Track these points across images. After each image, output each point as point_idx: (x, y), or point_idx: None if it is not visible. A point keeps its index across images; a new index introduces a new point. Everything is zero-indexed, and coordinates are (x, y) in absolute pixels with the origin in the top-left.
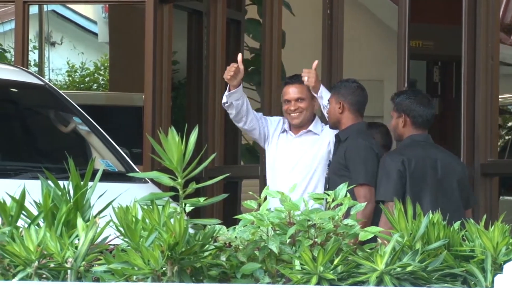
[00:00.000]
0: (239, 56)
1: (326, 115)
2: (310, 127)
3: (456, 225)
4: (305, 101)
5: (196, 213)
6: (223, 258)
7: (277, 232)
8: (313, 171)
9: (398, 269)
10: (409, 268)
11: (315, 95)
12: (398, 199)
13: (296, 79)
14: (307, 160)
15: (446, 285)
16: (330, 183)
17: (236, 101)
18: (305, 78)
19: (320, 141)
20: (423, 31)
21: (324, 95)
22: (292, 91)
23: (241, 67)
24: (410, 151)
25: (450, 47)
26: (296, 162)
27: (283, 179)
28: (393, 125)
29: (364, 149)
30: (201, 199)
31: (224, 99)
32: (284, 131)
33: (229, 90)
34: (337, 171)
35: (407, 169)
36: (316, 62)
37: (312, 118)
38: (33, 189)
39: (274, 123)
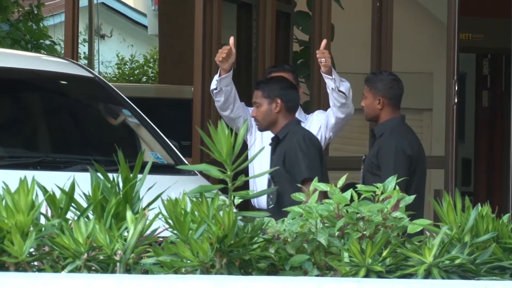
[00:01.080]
0: (231, 39)
1: (333, 99)
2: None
3: (506, 217)
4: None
5: (245, 206)
6: (271, 250)
7: (326, 224)
8: None
9: (447, 262)
10: (457, 261)
11: (329, 77)
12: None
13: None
14: None
15: (494, 278)
16: (365, 180)
17: (225, 87)
18: (322, 60)
19: (308, 127)
20: (473, 24)
21: (336, 77)
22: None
23: (233, 49)
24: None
25: (500, 40)
26: None
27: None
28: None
29: (394, 153)
30: (250, 192)
31: (213, 85)
32: None
33: (220, 75)
34: (370, 169)
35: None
36: (324, 41)
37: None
38: (82, 181)
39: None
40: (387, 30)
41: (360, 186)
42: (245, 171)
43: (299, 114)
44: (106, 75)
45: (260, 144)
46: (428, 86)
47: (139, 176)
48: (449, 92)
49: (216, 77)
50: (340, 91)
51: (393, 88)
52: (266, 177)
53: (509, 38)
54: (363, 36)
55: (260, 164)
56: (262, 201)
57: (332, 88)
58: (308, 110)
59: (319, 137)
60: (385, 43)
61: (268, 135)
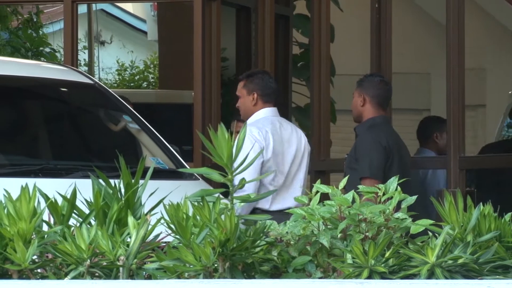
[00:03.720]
0: None
1: None
2: None
3: (507, 216)
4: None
5: None
6: (274, 253)
7: (328, 226)
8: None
9: (450, 262)
10: (460, 261)
11: None
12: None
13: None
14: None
15: (498, 277)
16: (349, 178)
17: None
18: None
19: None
20: None
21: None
22: None
23: None
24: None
25: None
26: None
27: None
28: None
29: (370, 143)
30: (252, 195)
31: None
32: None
33: None
34: (349, 164)
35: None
36: None
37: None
38: (84, 188)
39: (262, 141)
40: (386, 31)
41: (361, 187)
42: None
43: (273, 115)
44: (106, 82)
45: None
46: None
47: (141, 181)
48: (449, 90)
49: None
50: None
51: (377, 88)
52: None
53: None
54: (363, 37)
55: (283, 160)
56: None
57: None
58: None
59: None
60: (384, 44)
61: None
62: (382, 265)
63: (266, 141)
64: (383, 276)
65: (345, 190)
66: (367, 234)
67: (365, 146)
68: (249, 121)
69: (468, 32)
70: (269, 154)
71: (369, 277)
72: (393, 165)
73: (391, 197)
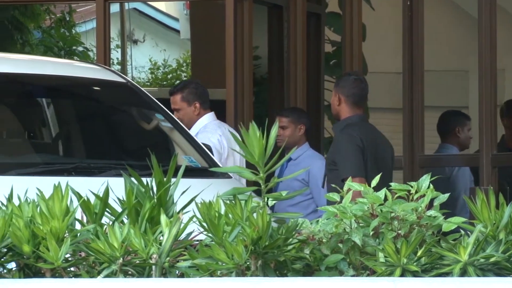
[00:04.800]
0: None
1: None
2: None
3: None
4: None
5: None
6: (306, 251)
7: (360, 224)
8: None
9: (482, 260)
10: (492, 259)
11: None
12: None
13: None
14: None
15: None
16: (327, 177)
17: None
18: None
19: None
20: None
21: None
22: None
23: None
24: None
25: None
26: None
27: None
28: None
29: (344, 143)
30: (283, 193)
31: None
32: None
33: None
34: (328, 166)
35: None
36: None
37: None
38: (116, 187)
39: (224, 142)
40: (418, 28)
41: (394, 185)
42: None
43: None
44: (139, 80)
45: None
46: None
47: (173, 180)
48: (482, 89)
49: None
50: None
51: (352, 87)
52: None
53: None
54: (395, 35)
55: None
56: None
57: None
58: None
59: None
60: (417, 42)
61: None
62: (415, 263)
63: (222, 144)
64: (415, 274)
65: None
66: (399, 232)
67: (341, 147)
68: (194, 128)
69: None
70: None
71: (402, 275)
72: (367, 163)
73: (424, 195)
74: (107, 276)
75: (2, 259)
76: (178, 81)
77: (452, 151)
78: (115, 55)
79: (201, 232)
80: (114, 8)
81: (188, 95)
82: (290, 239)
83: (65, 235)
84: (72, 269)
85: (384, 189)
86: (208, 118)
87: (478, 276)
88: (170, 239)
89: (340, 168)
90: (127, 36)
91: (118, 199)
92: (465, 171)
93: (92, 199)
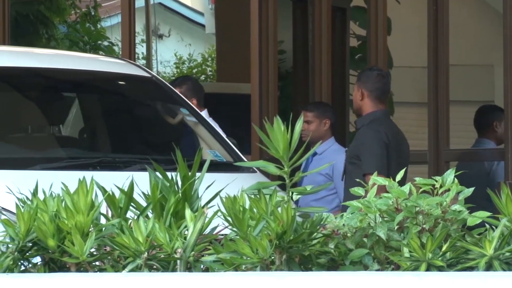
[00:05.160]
0: None
1: None
2: None
3: None
4: None
5: None
6: (331, 245)
7: (385, 218)
8: None
9: (507, 254)
10: None
11: None
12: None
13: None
14: None
15: None
16: (346, 171)
17: None
18: None
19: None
20: None
21: None
22: None
23: None
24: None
25: None
26: None
27: None
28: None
29: (371, 138)
30: (308, 187)
31: None
32: None
33: None
34: (350, 159)
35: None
36: None
37: None
38: (141, 181)
39: None
40: (443, 22)
41: (418, 179)
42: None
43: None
44: (165, 75)
45: None
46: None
47: (198, 174)
48: (507, 83)
49: None
50: None
51: (375, 82)
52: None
53: None
54: (420, 29)
55: None
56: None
57: None
58: None
59: None
60: (442, 36)
61: None
62: (440, 258)
63: None
64: (440, 269)
65: (346, 184)
66: (424, 226)
67: (367, 141)
68: None
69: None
70: None
71: (427, 270)
72: (391, 160)
73: (448, 190)
74: (132, 270)
75: (28, 254)
76: (203, 76)
77: (489, 146)
78: (140, 49)
79: (226, 227)
80: (139, 2)
81: (186, 91)
82: (315, 234)
83: (90, 229)
84: (97, 263)
85: (409, 183)
86: (203, 115)
87: (503, 270)
88: (194, 234)
89: (364, 163)
90: (152, 31)
91: (143, 193)
92: (504, 166)
93: (117, 193)
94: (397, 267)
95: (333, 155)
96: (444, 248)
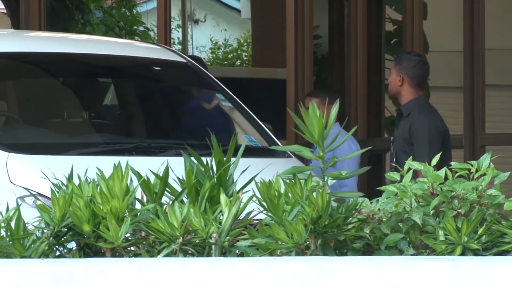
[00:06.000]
0: None
1: None
2: None
3: None
4: None
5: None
6: (366, 230)
7: (421, 203)
8: None
9: None
10: None
11: None
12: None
13: None
14: None
15: None
16: (398, 159)
17: None
18: None
19: None
20: None
21: None
22: None
23: None
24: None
25: None
26: None
27: None
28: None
29: (428, 128)
30: (343, 172)
31: None
32: None
33: None
34: (403, 148)
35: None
36: None
37: None
38: (176, 166)
39: None
40: (479, 7)
41: (454, 164)
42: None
43: None
44: None
45: None
46: None
47: (233, 159)
48: None
49: None
50: None
51: (415, 68)
52: None
53: None
54: (456, 14)
55: None
56: None
57: None
58: None
59: None
60: (477, 20)
61: None
62: (475, 242)
63: None
64: (476, 253)
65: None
66: (459, 211)
67: (424, 130)
68: None
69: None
70: None
71: (462, 254)
72: (446, 147)
73: (484, 174)
74: (167, 255)
75: (63, 239)
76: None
77: None
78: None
79: (261, 212)
80: None
81: None
82: (350, 218)
83: (125, 214)
84: (132, 248)
85: (445, 168)
86: None
87: None
88: (229, 219)
89: (418, 151)
90: (188, 16)
91: (178, 178)
92: None
93: (152, 178)
94: (432, 252)
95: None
96: (479, 232)
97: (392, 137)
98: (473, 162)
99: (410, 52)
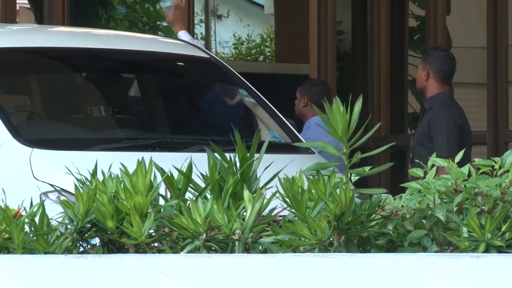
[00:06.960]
0: None
1: None
2: None
3: None
4: None
5: (363, 183)
6: (390, 227)
7: (444, 200)
8: None
9: None
10: None
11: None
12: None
13: None
14: None
15: None
16: (415, 152)
17: None
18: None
19: None
20: None
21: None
22: None
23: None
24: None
25: None
26: None
27: None
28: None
29: (446, 121)
30: (367, 169)
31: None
32: None
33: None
34: (421, 141)
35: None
36: None
37: None
38: (200, 162)
39: None
40: (503, 2)
41: (478, 160)
42: (361, 148)
43: None
44: (223, 56)
45: None
46: None
47: (256, 155)
48: None
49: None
50: None
51: (441, 63)
52: None
53: None
54: (479, 9)
55: None
56: None
57: None
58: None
59: None
60: (501, 16)
61: None
62: (499, 239)
63: None
64: (499, 250)
65: (414, 166)
66: (483, 207)
67: (442, 124)
68: None
69: None
70: None
71: (486, 251)
72: (467, 141)
73: (507, 171)
74: (190, 251)
75: (86, 235)
76: (261, 56)
77: None
78: (199, 30)
79: (284, 208)
80: None
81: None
82: (373, 215)
83: (148, 210)
84: (155, 244)
85: (468, 164)
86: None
87: None
88: (253, 215)
89: (437, 145)
90: (211, 11)
91: (202, 174)
92: None
93: (176, 174)
94: (456, 249)
95: (310, 134)
96: (503, 229)
97: (413, 131)
98: (496, 159)
99: (438, 47)
